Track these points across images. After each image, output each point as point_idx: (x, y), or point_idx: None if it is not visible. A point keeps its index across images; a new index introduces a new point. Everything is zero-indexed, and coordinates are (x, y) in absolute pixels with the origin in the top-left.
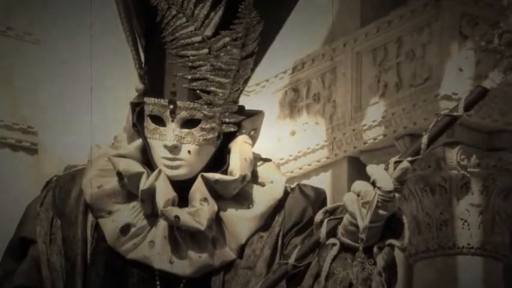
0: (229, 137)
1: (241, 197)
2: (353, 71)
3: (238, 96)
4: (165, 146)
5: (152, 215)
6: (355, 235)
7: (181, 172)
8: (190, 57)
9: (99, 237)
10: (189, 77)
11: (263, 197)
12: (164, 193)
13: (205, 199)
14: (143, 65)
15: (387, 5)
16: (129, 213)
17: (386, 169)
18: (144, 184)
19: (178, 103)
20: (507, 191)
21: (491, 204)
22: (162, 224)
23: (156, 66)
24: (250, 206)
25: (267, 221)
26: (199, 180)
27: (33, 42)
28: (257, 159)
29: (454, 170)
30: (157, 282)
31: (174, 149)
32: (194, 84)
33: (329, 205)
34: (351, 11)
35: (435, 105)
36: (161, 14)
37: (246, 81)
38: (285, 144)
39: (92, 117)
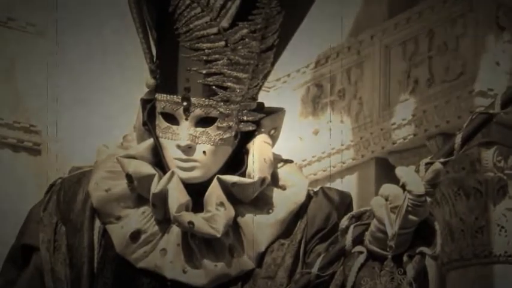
0: (248, 136)
1: (261, 201)
2: (381, 66)
3: (257, 93)
4: (178, 146)
5: (164, 221)
6: (384, 242)
7: (195, 174)
8: (206, 51)
9: (106, 245)
10: (204, 71)
11: (284, 201)
12: (177, 197)
13: (221, 203)
14: (155, 59)
15: None
16: (139, 218)
17: (417, 171)
18: (155, 187)
19: (193, 100)
20: None
21: None
22: (174, 230)
23: (169, 60)
24: (270, 210)
25: (288, 227)
26: (215, 183)
27: (36, 34)
28: (277, 160)
29: (490, 172)
30: None
31: (188, 150)
32: (210, 79)
33: (355, 210)
34: (379, 0)
35: (469, 102)
36: (174, 4)
37: (265, 76)
38: (307, 144)
39: (100, 115)
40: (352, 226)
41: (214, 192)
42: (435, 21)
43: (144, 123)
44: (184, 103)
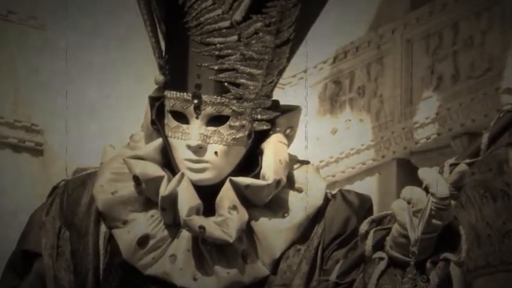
0: (262, 136)
1: (276, 205)
2: (403, 61)
3: (272, 90)
4: (189, 147)
5: (173, 225)
6: (406, 248)
7: (207, 176)
8: (217, 45)
9: (113, 251)
10: (216, 67)
11: (300, 205)
12: (187, 200)
13: (234, 207)
14: (163, 54)
15: None
16: (147, 223)
17: (441, 173)
18: (164, 190)
19: (204, 97)
20: None
21: None
22: (185, 235)
23: (179, 56)
24: (286, 214)
25: (304, 232)
26: (227, 185)
27: (38, 27)
28: (293, 161)
29: None
30: None
31: (199, 150)
32: (222, 75)
33: (375, 214)
34: None
35: (496, 100)
36: None
37: (280, 73)
38: (325, 144)
39: (106, 113)
40: (372, 231)
41: (227, 195)
42: (460, 14)
43: (153, 122)
44: (195, 101)
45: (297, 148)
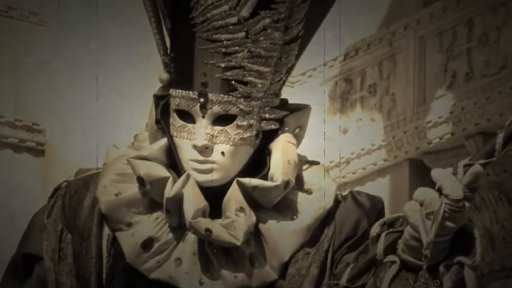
0: (270, 135)
1: (284, 207)
2: (415, 59)
3: (281, 88)
4: (195, 147)
5: (179, 228)
6: (418, 251)
7: (213, 177)
8: (224, 42)
9: (116, 254)
10: (223, 65)
11: (310, 207)
12: (193, 202)
13: (241, 209)
14: (169, 51)
15: None
16: (151, 225)
17: (455, 174)
18: (169, 191)
19: (210, 96)
20: None
21: None
22: (190, 238)
23: (184, 53)
24: (295, 217)
25: (314, 235)
26: (234, 186)
27: (39, 24)
28: (302, 161)
29: None
30: None
31: (205, 150)
32: (229, 73)
33: (387, 216)
34: None
35: None
36: None
37: (289, 70)
38: (335, 144)
39: (109, 112)
40: (383, 234)
41: (234, 197)
42: (474, 10)
43: (157, 122)
44: (201, 99)
45: (307, 148)
